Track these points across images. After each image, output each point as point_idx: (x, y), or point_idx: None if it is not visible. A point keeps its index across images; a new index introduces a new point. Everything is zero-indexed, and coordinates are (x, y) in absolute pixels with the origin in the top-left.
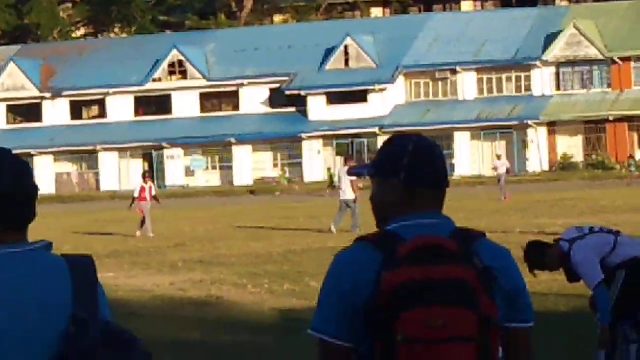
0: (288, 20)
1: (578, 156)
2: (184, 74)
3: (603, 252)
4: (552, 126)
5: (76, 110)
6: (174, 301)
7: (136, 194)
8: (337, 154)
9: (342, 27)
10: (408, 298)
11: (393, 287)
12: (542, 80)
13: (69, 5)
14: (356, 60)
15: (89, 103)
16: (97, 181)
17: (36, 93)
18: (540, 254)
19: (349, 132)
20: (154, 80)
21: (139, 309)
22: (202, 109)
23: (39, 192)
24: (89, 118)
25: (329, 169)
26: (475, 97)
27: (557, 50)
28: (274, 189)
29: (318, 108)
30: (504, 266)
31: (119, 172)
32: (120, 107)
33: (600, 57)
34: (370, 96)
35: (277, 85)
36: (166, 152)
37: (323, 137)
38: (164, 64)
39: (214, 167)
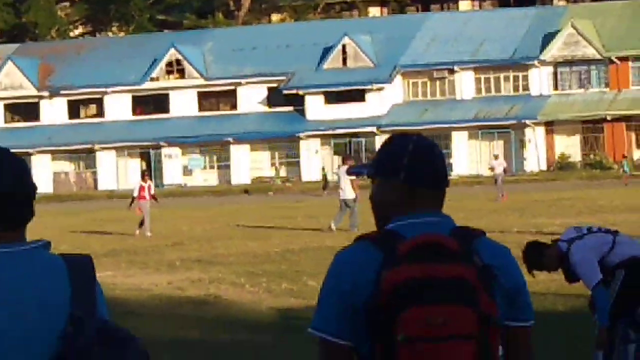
0: (286, 19)
1: (576, 156)
2: (182, 73)
3: (602, 252)
4: (550, 126)
5: (74, 109)
6: (172, 300)
7: (135, 194)
8: (335, 153)
9: (340, 26)
10: (408, 296)
11: (393, 285)
12: (540, 80)
13: (67, 4)
14: (354, 59)
15: (86, 102)
16: (95, 180)
17: (34, 92)
18: (539, 255)
19: (346, 132)
20: (152, 79)
21: (137, 308)
22: (200, 109)
23: (37, 192)
24: (86, 117)
25: (323, 169)
26: (473, 97)
27: (554, 50)
28: (268, 188)
29: (316, 107)
30: (504, 265)
31: (116, 172)
32: (118, 106)
33: (598, 57)
34: (368, 96)
35: (275, 84)
36: (164, 151)
37: (321, 136)
38: (162, 63)
39: (212, 167)
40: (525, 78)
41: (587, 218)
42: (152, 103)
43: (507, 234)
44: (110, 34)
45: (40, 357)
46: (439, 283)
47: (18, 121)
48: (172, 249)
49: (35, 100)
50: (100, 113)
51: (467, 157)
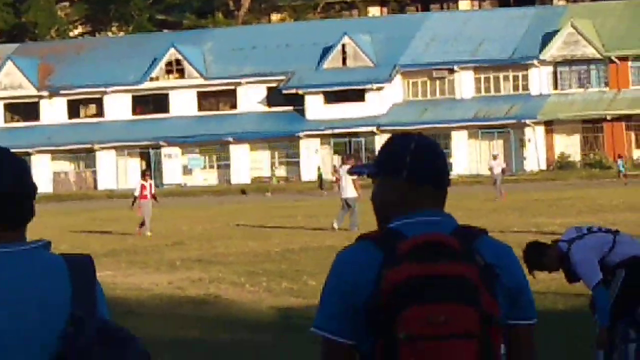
0: (286, 19)
1: (576, 155)
2: (181, 73)
3: (602, 252)
4: (550, 125)
5: (74, 109)
6: (173, 300)
7: (137, 193)
8: (335, 153)
9: (339, 26)
10: (409, 295)
11: (394, 284)
12: (539, 79)
13: (67, 4)
14: (354, 59)
15: (86, 102)
16: (95, 180)
17: (34, 92)
18: (540, 255)
19: (346, 132)
20: (151, 79)
21: (138, 308)
22: (200, 108)
23: (37, 191)
24: (86, 117)
25: (318, 169)
26: (472, 97)
27: (554, 50)
28: (266, 188)
29: (315, 107)
30: (506, 264)
31: (116, 171)
32: (118, 106)
33: (598, 56)
34: (367, 95)
35: (274, 84)
36: (164, 151)
37: (320, 136)
38: (162, 63)
39: (211, 166)
40: (525, 78)
41: (587, 217)
42: (151, 103)
43: (507, 233)
44: (109, 33)
45: (41, 357)
46: (440, 282)
47: (18, 121)
48: (172, 249)
49: (35, 100)
50: (100, 113)
51: (467, 156)
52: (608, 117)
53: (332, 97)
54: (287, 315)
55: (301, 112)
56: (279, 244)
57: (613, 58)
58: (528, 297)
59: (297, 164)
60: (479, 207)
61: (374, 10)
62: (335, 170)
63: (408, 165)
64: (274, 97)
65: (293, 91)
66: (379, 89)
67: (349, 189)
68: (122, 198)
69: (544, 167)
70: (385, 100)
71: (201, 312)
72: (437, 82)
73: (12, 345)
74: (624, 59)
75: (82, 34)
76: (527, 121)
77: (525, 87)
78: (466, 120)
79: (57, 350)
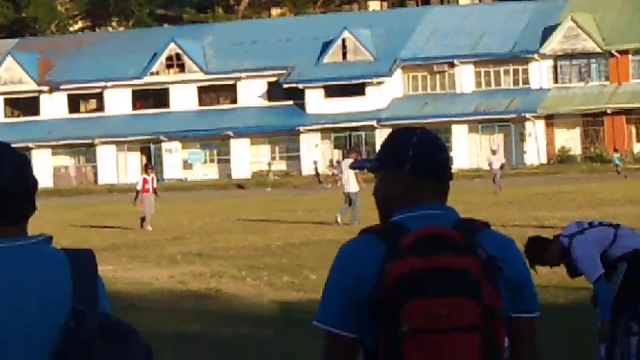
0: (286, 13)
1: (576, 149)
2: (182, 68)
3: (604, 246)
4: (550, 119)
5: (74, 104)
6: (174, 294)
7: (139, 187)
8: (335, 147)
9: (339, 20)
10: (412, 288)
11: (397, 278)
12: (540, 73)
13: None
14: (354, 53)
15: (86, 97)
16: (95, 175)
17: (34, 87)
18: (541, 250)
19: (346, 126)
20: (152, 73)
21: (139, 302)
22: (200, 103)
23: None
24: (87, 112)
25: (314, 162)
26: (473, 91)
27: (554, 44)
28: (264, 183)
29: (316, 101)
30: (508, 257)
31: (117, 166)
32: (118, 101)
33: (598, 50)
34: (368, 89)
35: (275, 78)
36: (164, 145)
37: (321, 130)
38: (162, 58)
39: (212, 161)
40: (525, 71)
41: (587, 211)
42: (152, 97)
43: (508, 227)
44: (110, 28)
45: (41, 351)
46: (442, 275)
47: (18, 116)
48: (173, 243)
49: (35, 94)
50: (100, 107)
51: (467, 150)
52: (608, 111)
53: (333, 92)
54: (289, 309)
55: (301, 106)
56: (280, 238)
57: (613, 52)
58: (531, 290)
59: (298, 158)
60: (479, 201)
61: (374, 5)
62: (331, 165)
63: (411, 159)
64: (274, 91)
65: (293, 85)
66: (379, 83)
67: (351, 183)
68: (122, 193)
69: (544, 161)
70: (385, 95)
71: (202, 306)
72: (438, 76)
73: (13, 340)
74: (624, 52)
75: (82, 29)
76: (528, 115)
77: (526, 81)
78: (466, 114)
79: (58, 345)
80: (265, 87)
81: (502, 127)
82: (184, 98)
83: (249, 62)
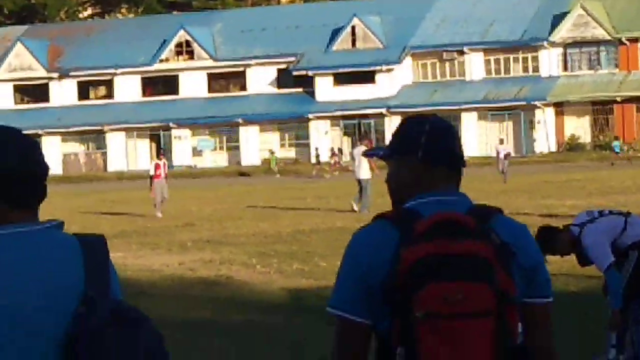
0: (295, 0)
1: (586, 137)
2: (191, 55)
3: (614, 234)
4: (560, 107)
5: (83, 90)
6: (184, 281)
7: (152, 172)
8: (345, 134)
9: (349, 7)
10: (426, 274)
11: (410, 263)
12: (549, 61)
13: None
14: (363, 40)
15: (96, 83)
16: (105, 161)
17: (44, 73)
18: (552, 239)
19: (356, 113)
20: (161, 60)
21: (149, 289)
22: (210, 90)
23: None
24: (96, 98)
25: (316, 149)
26: (482, 78)
27: (564, 32)
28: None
29: (325, 89)
30: (522, 243)
31: (126, 153)
32: (128, 88)
33: (608, 38)
34: (377, 77)
35: (284, 65)
36: (174, 132)
37: (330, 117)
38: (171, 45)
39: (221, 148)
40: (535, 59)
41: (597, 199)
42: (161, 84)
43: (517, 215)
44: (119, 15)
45: (52, 337)
46: (456, 260)
47: (28, 102)
48: (183, 230)
49: (45, 81)
50: (109, 94)
51: (477, 138)
52: (618, 99)
53: (342, 79)
54: (298, 296)
55: (311, 93)
56: (290, 225)
57: (623, 39)
58: (544, 275)
59: (307, 145)
60: (489, 189)
61: None
62: (333, 154)
63: (423, 147)
64: (283, 78)
65: (303, 73)
66: (389, 70)
67: (363, 170)
68: (131, 180)
69: (553, 149)
70: (395, 82)
71: (212, 293)
72: (447, 63)
73: (24, 326)
74: (634, 40)
75: (91, 16)
76: (537, 103)
77: (535, 69)
78: (476, 102)
79: (68, 331)
80: (274, 74)
81: (512, 115)
82: (193, 85)
83: (258, 49)
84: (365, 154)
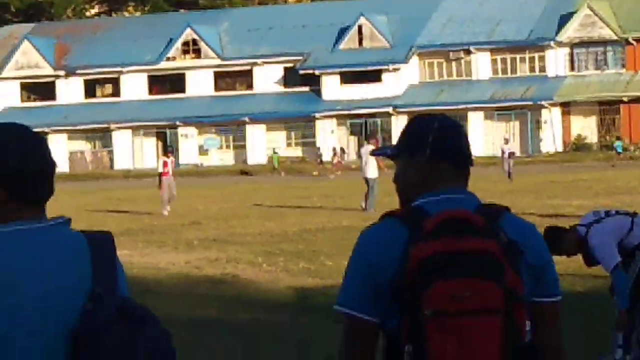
0: None
1: (592, 137)
2: (198, 53)
3: (621, 235)
4: (566, 107)
5: (90, 88)
6: (190, 279)
7: (160, 169)
8: (351, 134)
9: (356, 6)
10: (433, 271)
11: (419, 261)
12: (556, 61)
13: None
14: (370, 40)
15: (103, 82)
16: (111, 160)
17: (50, 71)
18: (558, 239)
19: (362, 112)
20: (168, 59)
21: (155, 287)
22: (216, 88)
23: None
24: (103, 97)
25: (318, 149)
26: (489, 78)
27: (571, 31)
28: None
29: (332, 88)
30: (530, 241)
31: (132, 151)
32: (134, 86)
33: (615, 38)
34: (384, 76)
35: (291, 64)
36: (180, 131)
37: (337, 116)
38: (178, 43)
39: (227, 147)
40: (542, 59)
41: (604, 199)
42: (168, 83)
43: (523, 215)
44: (126, 13)
45: (59, 334)
46: (463, 258)
47: (34, 100)
48: (189, 228)
49: (52, 79)
50: (116, 93)
51: (483, 137)
52: (625, 99)
53: (349, 78)
54: (305, 295)
55: (317, 92)
56: (296, 224)
57: (630, 39)
58: (552, 274)
59: (314, 144)
60: (494, 189)
61: None
62: (335, 154)
63: (431, 145)
64: (290, 77)
65: (309, 72)
66: (395, 69)
67: (370, 169)
68: (138, 178)
69: (560, 148)
70: (401, 81)
71: (219, 292)
72: (454, 63)
73: (31, 323)
74: None
75: (98, 14)
76: (544, 103)
77: (542, 69)
78: (482, 101)
79: (75, 328)
80: (281, 73)
81: (518, 115)
82: (200, 83)
83: (265, 47)
84: (373, 153)
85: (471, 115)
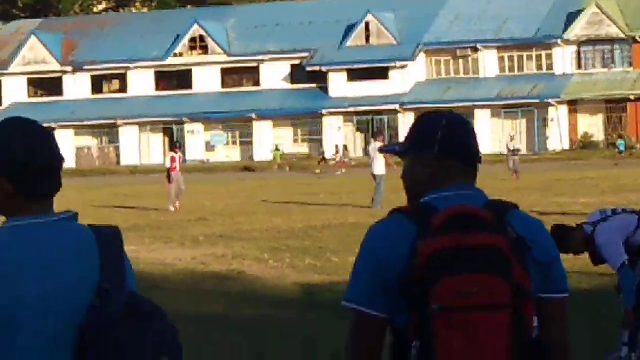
0: None
1: (599, 135)
2: (204, 49)
3: (627, 233)
4: (573, 105)
5: (97, 84)
6: (196, 275)
7: (168, 165)
8: (358, 130)
9: (363, 3)
10: (441, 267)
11: (427, 256)
12: (563, 59)
13: None
14: (377, 36)
15: (109, 77)
16: (118, 155)
17: (57, 67)
18: (565, 237)
19: (369, 109)
20: (174, 55)
21: (161, 282)
22: (223, 85)
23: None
24: (109, 92)
25: (320, 146)
26: (496, 75)
27: (578, 29)
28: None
29: (339, 84)
30: (537, 238)
31: (139, 147)
32: (141, 82)
33: (622, 36)
34: (391, 73)
35: (297, 61)
36: (186, 127)
37: (343, 113)
38: (185, 39)
39: (234, 143)
40: (549, 57)
41: (610, 197)
42: (175, 79)
43: (530, 213)
44: (133, 9)
45: (67, 328)
46: (470, 253)
47: (41, 96)
48: (196, 224)
49: (58, 75)
50: (123, 88)
51: (490, 135)
52: (632, 97)
53: (355, 75)
54: (311, 291)
55: (324, 89)
56: (302, 220)
57: (637, 38)
58: (560, 270)
59: (320, 141)
60: (501, 186)
61: None
62: (337, 151)
63: (439, 141)
64: (297, 74)
65: (316, 68)
66: (402, 67)
67: (377, 165)
68: (144, 173)
69: (566, 146)
70: (408, 79)
71: (225, 288)
72: (461, 60)
73: (39, 316)
74: None
75: (105, 10)
76: (551, 100)
77: (549, 67)
78: (489, 99)
79: (82, 322)
80: (288, 70)
81: (525, 112)
82: (206, 79)
83: (271, 44)
84: (381, 150)
85: (478, 113)
